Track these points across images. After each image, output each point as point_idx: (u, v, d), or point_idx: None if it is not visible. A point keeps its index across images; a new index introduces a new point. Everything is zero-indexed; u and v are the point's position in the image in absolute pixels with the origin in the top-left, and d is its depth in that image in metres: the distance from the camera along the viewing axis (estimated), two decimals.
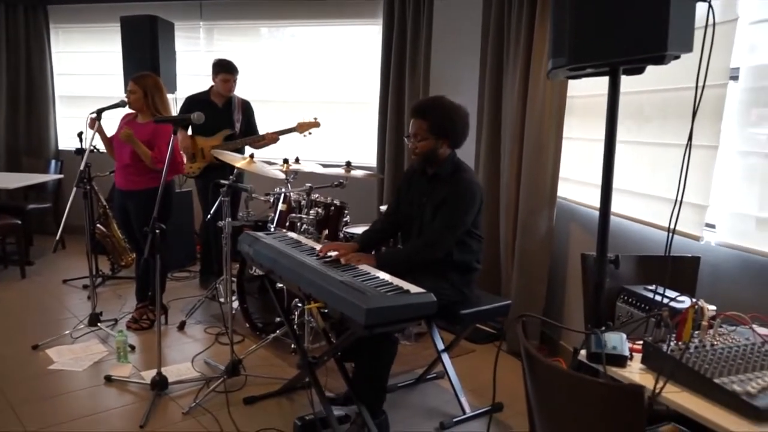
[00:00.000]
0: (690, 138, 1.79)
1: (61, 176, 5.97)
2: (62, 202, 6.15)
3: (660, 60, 1.70)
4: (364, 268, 2.59)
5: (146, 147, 3.68)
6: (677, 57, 1.76)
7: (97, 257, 4.78)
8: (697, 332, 1.61)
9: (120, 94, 5.05)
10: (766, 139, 2.32)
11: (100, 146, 3.95)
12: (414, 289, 2.29)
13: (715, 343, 1.60)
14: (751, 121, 2.34)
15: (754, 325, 1.68)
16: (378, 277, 2.44)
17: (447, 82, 4.67)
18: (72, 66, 6.70)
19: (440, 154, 2.86)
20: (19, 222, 5.10)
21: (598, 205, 3.11)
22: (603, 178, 1.90)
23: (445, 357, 3.02)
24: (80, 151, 4.45)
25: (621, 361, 1.60)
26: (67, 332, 3.84)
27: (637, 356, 1.64)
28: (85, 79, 6.63)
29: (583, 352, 1.65)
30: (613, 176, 1.91)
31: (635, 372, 1.59)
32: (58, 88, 6.74)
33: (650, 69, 1.84)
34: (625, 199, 2.97)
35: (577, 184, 3.53)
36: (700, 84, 1.70)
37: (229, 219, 3.36)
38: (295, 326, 3.47)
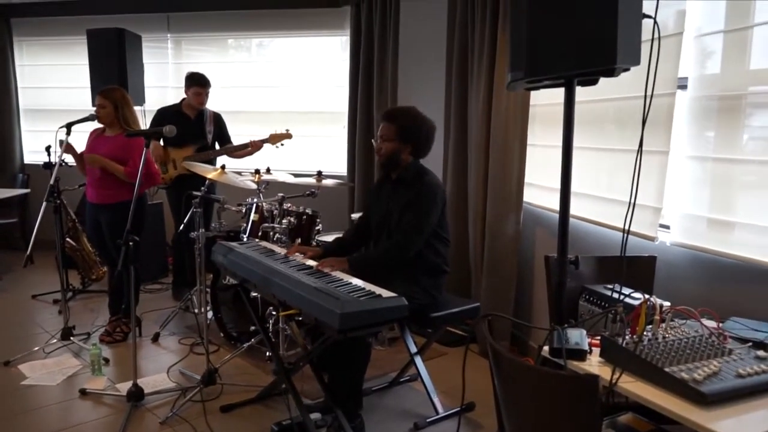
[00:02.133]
0: (641, 144, 1.92)
1: (28, 191, 5.91)
2: (29, 217, 6.11)
3: (611, 72, 1.82)
4: (337, 274, 2.66)
5: (118, 161, 3.70)
6: (627, 69, 1.89)
7: (67, 271, 4.76)
8: (650, 326, 1.72)
9: (87, 107, 5.06)
10: (714, 144, 2.46)
11: (69, 160, 3.95)
12: (386, 293, 2.37)
13: (667, 335, 1.72)
14: (699, 127, 2.48)
15: (702, 319, 1.81)
16: (351, 283, 2.51)
17: (414, 91, 4.79)
18: (37, 79, 6.63)
19: (402, 159, 2.98)
20: None
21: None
22: (561, 184, 2.01)
23: (418, 360, 3.10)
24: (48, 165, 4.45)
25: (581, 355, 1.70)
26: (39, 347, 3.82)
27: (597, 350, 1.75)
28: (50, 92, 6.57)
29: (546, 348, 1.75)
30: (571, 181, 2.02)
31: (594, 365, 1.69)
32: (23, 102, 6.66)
33: (607, 79, 1.95)
34: (586, 202, 3.10)
35: (541, 189, 3.66)
36: (648, 93, 1.83)
37: (203, 230, 3.39)
38: (270, 334, 3.52)
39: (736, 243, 2.33)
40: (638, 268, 2.53)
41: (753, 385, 1.49)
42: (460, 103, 4.12)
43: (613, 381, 1.55)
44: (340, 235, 3.44)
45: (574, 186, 3.15)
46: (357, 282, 2.52)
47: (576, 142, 3.08)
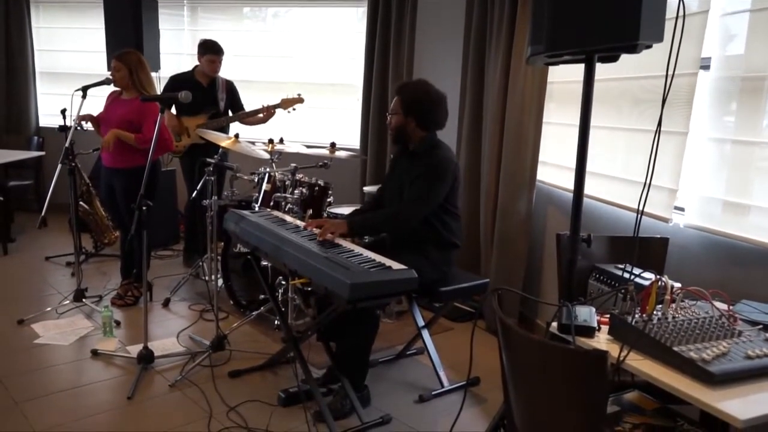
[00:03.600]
0: (659, 125, 1.89)
1: (43, 153, 5.94)
2: (43, 179, 6.16)
3: (632, 49, 1.79)
4: (348, 245, 2.67)
5: (132, 124, 3.70)
6: (649, 46, 1.85)
7: (80, 234, 4.81)
8: (660, 306, 1.72)
9: (102, 71, 5.05)
10: (734, 126, 2.43)
11: (85, 123, 3.95)
12: (396, 265, 2.38)
13: (677, 315, 1.71)
14: (720, 109, 2.45)
15: (713, 301, 1.80)
16: (362, 254, 2.52)
17: (431, 65, 4.74)
18: (53, 42, 6.63)
19: (409, 132, 2.97)
20: (1, 198, 5.09)
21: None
22: (577, 162, 1.99)
23: (425, 333, 3.12)
24: (64, 128, 4.46)
25: (589, 332, 1.71)
26: (51, 308, 3.88)
27: (606, 328, 1.75)
28: (66, 55, 6.57)
29: (554, 324, 1.75)
30: (587, 159, 2.00)
31: (603, 342, 1.69)
32: (39, 64, 6.67)
33: (627, 57, 1.92)
34: (602, 182, 3.08)
35: (555, 167, 3.63)
36: (670, 73, 1.80)
37: (215, 197, 3.41)
38: (279, 302, 3.55)
39: (751, 226, 2.31)
40: (650, 249, 2.52)
41: (761, 366, 1.49)
42: (477, 78, 4.07)
43: (621, 358, 1.55)
44: (358, 207, 3.45)
45: (590, 165, 3.13)
46: (368, 253, 2.53)
47: (593, 121, 3.07)
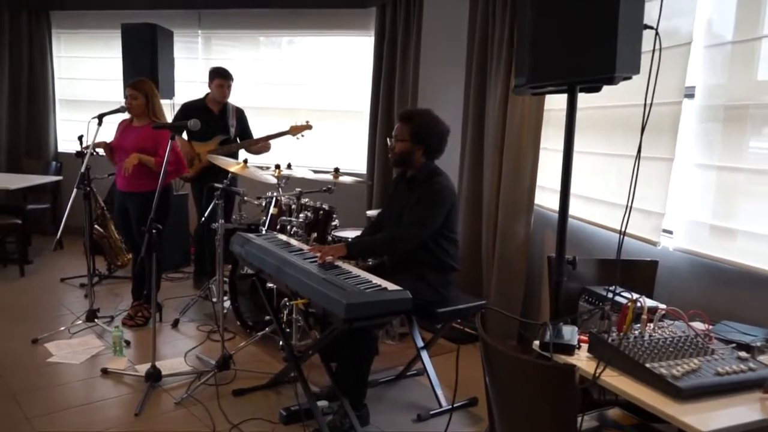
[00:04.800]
0: (639, 152, 1.98)
1: (60, 178, 6.13)
2: (60, 203, 6.33)
3: (610, 81, 1.89)
4: (347, 267, 2.77)
5: (147, 151, 3.85)
6: (628, 78, 1.96)
7: (94, 257, 4.97)
8: (637, 325, 1.79)
9: (118, 99, 5.25)
10: (719, 153, 2.51)
11: (100, 149, 4.12)
12: (391, 286, 2.47)
13: (654, 334, 1.79)
14: (705, 136, 2.53)
15: (691, 322, 1.87)
16: (359, 276, 2.61)
17: (434, 93, 4.87)
18: (72, 70, 6.88)
19: (414, 159, 3.07)
20: (20, 222, 5.26)
21: (573, 212, 3.33)
22: (561, 187, 2.09)
23: (424, 354, 3.19)
24: (81, 154, 4.65)
25: (569, 349, 1.79)
26: (65, 327, 4.00)
27: (586, 347, 1.83)
28: (84, 83, 6.81)
29: (536, 342, 1.83)
30: (570, 187, 2.09)
31: (582, 359, 1.77)
32: (59, 92, 6.91)
33: (619, 85, 2.01)
34: (595, 206, 3.16)
35: (553, 192, 3.72)
36: (649, 102, 1.89)
37: (223, 221, 3.53)
38: (283, 324, 3.64)
39: (738, 250, 2.37)
40: (639, 272, 2.59)
41: (730, 382, 1.56)
42: (478, 105, 4.19)
43: (597, 374, 1.63)
44: (359, 233, 3.56)
45: (584, 190, 3.23)
46: (365, 275, 2.62)
47: (586, 147, 3.18)
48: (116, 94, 5.91)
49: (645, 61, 1.90)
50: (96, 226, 5.12)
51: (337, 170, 4.11)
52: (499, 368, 1.61)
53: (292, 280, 2.66)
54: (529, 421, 1.55)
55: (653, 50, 1.89)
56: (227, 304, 4.27)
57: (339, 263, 2.80)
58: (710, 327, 1.90)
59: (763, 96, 2.33)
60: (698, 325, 1.88)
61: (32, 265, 5.56)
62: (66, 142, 6.90)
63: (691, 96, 2.56)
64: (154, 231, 3.17)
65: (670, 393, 1.51)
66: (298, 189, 3.91)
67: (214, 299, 4.54)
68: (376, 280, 2.56)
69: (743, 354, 1.71)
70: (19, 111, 6.74)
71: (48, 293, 4.87)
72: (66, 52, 6.90)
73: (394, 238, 3.00)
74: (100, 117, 3.94)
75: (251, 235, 3.25)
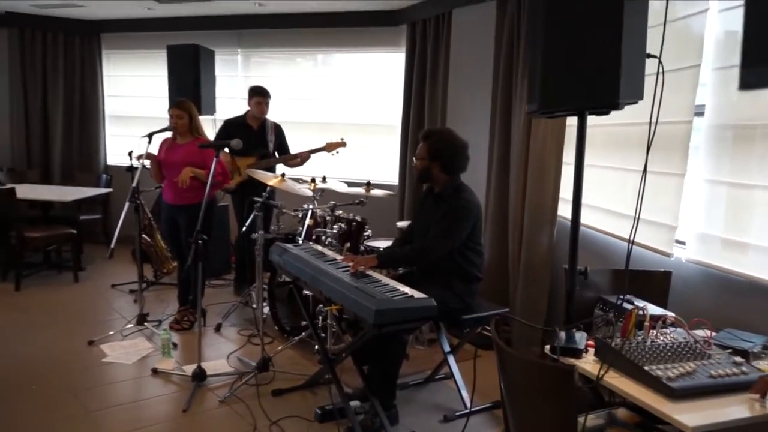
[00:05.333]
0: (645, 169, 2.15)
1: (110, 190, 6.51)
2: (110, 213, 6.71)
3: (615, 107, 2.06)
4: (377, 276, 2.98)
5: (195, 165, 4.14)
6: (633, 102, 2.12)
7: (143, 264, 5.29)
8: (641, 332, 1.95)
9: (161, 115, 5.59)
10: (729, 169, 2.64)
11: (147, 162, 4.42)
12: (418, 294, 2.67)
13: (656, 340, 1.94)
14: (715, 153, 2.67)
15: (695, 330, 2.02)
16: (388, 284, 2.82)
17: (462, 109, 5.05)
18: (120, 88, 7.29)
19: (434, 175, 3.28)
20: (74, 231, 5.63)
21: (593, 224, 3.47)
22: (573, 203, 2.26)
23: (450, 358, 3.38)
24: (130, 169, 4.98)
25: (577, 353, 1.96)
26: (117, 331, 4.31)
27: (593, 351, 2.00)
28: (131, 100, 7.21)
29: (547, 346, 2.01)
30: (581, 200, 2.26)
31: (588, 362, 1.94)
32: (108, 108, 7.33)
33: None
34: (615, 219, 3.30)
35: None
36: (654, 121, 2.05)
37: (262, 232, 3.78)
38: (318, 328, 3.87)
39: (748, 263, 2.50)
40: (655, 282, 2.73)
41: (722, 384, 1.71)
42: (504, 121, 4.37)
43: (600, 375, 1.80)
44: (390, 243, 3.79)
45: (604, 203, 3.38)
46: (393, 284, 2.83)
47: (605, 161, 3.33)
48: (160, 110, 6.25)
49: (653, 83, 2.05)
50: (144, 235, 5.44)
51: (369, 184, 4.33)
52: (510, 370, 1.80)
53: (327, 288, 2.88)
54: (535, 418, 1.73)
55: (657, 74, 2.05)
56: (266, 309, 4.53)
57: (370, 272, 3.01)
58: (712, 334, 2.05)
59: None
60: (700, 333, 2.02)
61: (85, 271, 5.92)
62: (115, 155, 7.31)
63: (701, 114, 2.70)
64: (200, 241, 3.43)
65: (664, 393, 1.67)
66: (332, 202, 4.15)
67: (254, 305, 4.81)
68: (404, 288, 2.76)
69: (738, 359, 1.86)
70: (72, 128, 7.18)
71: (100, 298, 5.21)
72: (114, 71, 7.32)
73: (423, 249, 3.20)
74: (150, 135, 4.25)
75: (289, 245, 3.49)
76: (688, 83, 2.66)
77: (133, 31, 6.95)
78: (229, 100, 6.57)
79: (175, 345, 4.11)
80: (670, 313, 2.23)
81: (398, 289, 2.74)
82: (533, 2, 2.12)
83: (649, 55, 2.08)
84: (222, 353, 4.02)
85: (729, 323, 2.31)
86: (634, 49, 2.03)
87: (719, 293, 2.62)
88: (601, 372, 1.81)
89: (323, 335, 3.84)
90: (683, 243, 2.84)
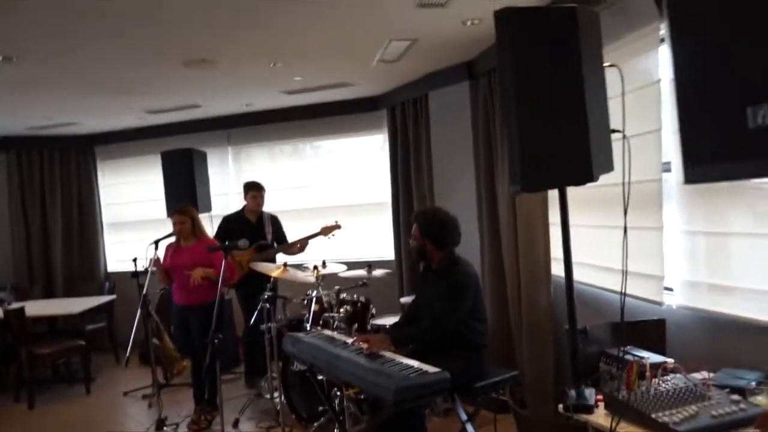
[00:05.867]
0: (625, 229, 2.36)
1: (114, 297, 6.63)
2: (114, 320, 6.78)
3: (591, 179, 2.29)
4: (389, 355, 3.11)
5: (204, 265, 4.32)
6: (606, 172, 2.36)
7: (155, 369, 5.38)
8: (643, 381, 2.11)
9: (160, 217, 5.85)
10: (703, 219, 2.85)
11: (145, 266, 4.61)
12: (431, 369, 2.81)
13: (659, 387, 2.10)
14: (686, 204, 2.90)
15: (694, 373, 2.18)
16: (401, 363, 2.95)
17: (449, 182, 5.31)
18: (116, 196, 7.54)
19: (429, 252, 3.49)
20: (83, 343, 5.71)
21: (586, 280, 3.64)
22: (565, 269, 2.45)
23: (469, 426, 3.46)
24: (135, 275, 5.16)
25: (588, 409, 2.10)
26: None
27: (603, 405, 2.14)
28: (128, 206, 7.44)
29: (560, 405, 2.15)
30: (572, 262, 2.47)
31: (600, 416, 2.08)
32: (105, 216, 7.55)
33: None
34: (606, 274, 3.49)
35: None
36: (626, 185, 2.27)
37: (273, 324, 3.92)
38: (336, 411, 3.95)
39: (733, 304, 2.67)
40: (650, 330, 2.89)
41: (723, 423, 1.86)
42: (489, 189, 4.64)
43: (613, 427, 1.94)
44: (397, 320, 3.95)
45: (597, 260, 3.57)
46: (406, 361, 2.96)
47: (588, 221, 3.54)
48: (156, 214, 6.58)
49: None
50: (153, 339, 5.54)
51: (370, 266, 4.52)
52: (527, 429, 1.94)
53: (344, 373, 3.02)
54: None
55: (623, 147, 2.30)
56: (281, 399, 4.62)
57: (382, 352, 3.15)
58: (710, 376, 2.20)
59: None
60: (699, 375, 2.18)
61: (95, 381, 5.96)
62: (115, 262, 7.47)
63: (668, 170, 2.95)
64: (216, 341, 3.57)
65: None
66: (336, 287, 4.32)
67: (267, 395, 4.89)
68: (417, 364, 2.90)
69: (736, 397, 2.01)
70: (72, 240, 7.37)
71: (115, 408, 5.25)
72: (110, 180, 7.60)
73: (432, 327, 3.35)
74: (157, 242, 4.45)
75: (300, 335, 3.63)
76: (653, 145, 2.92)
77: (126, 141, 7.25)
78: (223, 196, 6.82)
79: None
80: (669, 360, 2.40)
81: (412, 366, 2.88)
82: (504, 91, 2.38)
83: (613, 131, 2.34)
84: None
85: (724, 363, 2.46)
86: (600, 126, 2.29)
87: (712, 335, 2.79)
88: (613, 424, 1.95)
89: (341, 418, 3.91)
90: (671, 290, 3.02)
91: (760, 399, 2.04)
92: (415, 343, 3.34)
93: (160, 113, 6.34)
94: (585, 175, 2.24)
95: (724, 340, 2.73)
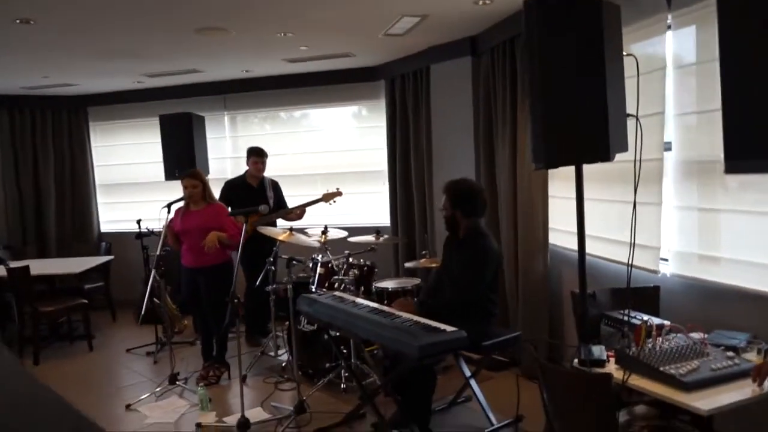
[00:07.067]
0: (635, 205, 2.61)
1: (112, 257, 6.73)
2: (112, 280, 6.88)
3: (607, 159, 2.53)
4: (405, 315, 3.35)
5: (212, 228, 4.49)
6: (622, 152, 2.60)
7: (156, 326, 5.56)
8: (650, 339, 2.39)
9: (155, 179, 6.08)
10: (697, 196, 3.13)
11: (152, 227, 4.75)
12: (449, 328, 3.06)
13: (663, 345, 2.38)
14: (682, 182, 3.17)
15: (691, 333, 2.47)
16: (420, 322, 3.20)
17: (447, 153, 5.50)
18: (109, 157, 7.56)
19: (458, 221, 3.71)
20: (86, 301, 5.84)
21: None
22: (578, 241, 2.70)
23: (473, 382, 3.75)
24: (140, 236, 5.30)
25: (601, 364, 2.38)
26: (150, 393, 4.54)
27: (613, 360, 2.42)
28: (121, 168, 7.48)
29: (575, 361, 2.43)
30: (585, 242, 2.70)
31: (612, 370, 2.36)
32: (98, 177, 7.58)
33: None
34: (604, 244, 3.77)
35: (564, 233, 4.34)
36: (637, 167, 2.52)
37: (291, 286, 4.10)
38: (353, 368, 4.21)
39: (721, 272, 2.98)
40: (646, 296, 3.20)
41: (722, 375, 2.16)
42: (488, 162, 4.86)
43: (625, 379, 2.22)
44: (400, 279, 4.19)
45: (594, 231, 3.84)
46: (423, 321, 3.20)
47: (590, 195, 3.79)
48: (150, 175, 6.78)
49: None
50: (154, 298, 5.69)
51: (378, 232, 4.74)
52: (554, 383, 2.20)
53: (363, 331, 3.25)
54: (579, 420, 2.13)
55: (636, 131, 2.54)
56: (284, 357, 4.87)
57: (394, 312, 3.38)
58: (705, 336, 2.50)
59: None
60: (696, 335, 2.48)
61: (96, 339, 6.10)
62: (108, 223, 7.55)
63: (669, 149, 3.21)
64: (235, 301, 3.77)
65: (679, 387, 2.10)
66: (346, 251, 4.54)
67: (271, 353, 5.12)
68: (433, 324, 3.14)
69: (731, 353, 2.31)
70: (65, 200, 7.40)
71: (119, 364, 5.43)
72: (102, 141, 7.60)
73: (453, 302, 3.60)
74: (169, 205, 4.58)
75: (315, 296, 3.85)
76: (656, 127, 3.17)
77: (120, 102, 7.25)
78: (220, 160, 6.91)
79: (209, 400, 4.37)
80: (667, 322, 2.69)
81: (430, 325, 3.13)
82: (531, 75, 2.57)
83: (629, 115, 2.57)
84: (255, 402, 4.31)
85: (715, 325, 2.76)
86: (618, 110, 2.52)
87: (702, 300, 3.10)
88: (625, 377, 2.23)
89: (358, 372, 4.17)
90: (666, 260, 3.31)
91: (750, 356, 2.34)
92: (442, 315, 3.55)
93: (159, 77, 6.36)
94: (603, 154, 2.47)
95: (712, 305, 3.04)
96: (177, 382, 4.61)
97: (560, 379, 2.14)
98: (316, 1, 3.89)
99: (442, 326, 3.09)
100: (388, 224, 6.22)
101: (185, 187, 4.65)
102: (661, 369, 2.19)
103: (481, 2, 4.01)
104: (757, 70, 1.33)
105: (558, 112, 2.53)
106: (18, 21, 3.96)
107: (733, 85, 1.39)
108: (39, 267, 5.94)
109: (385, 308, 3.50)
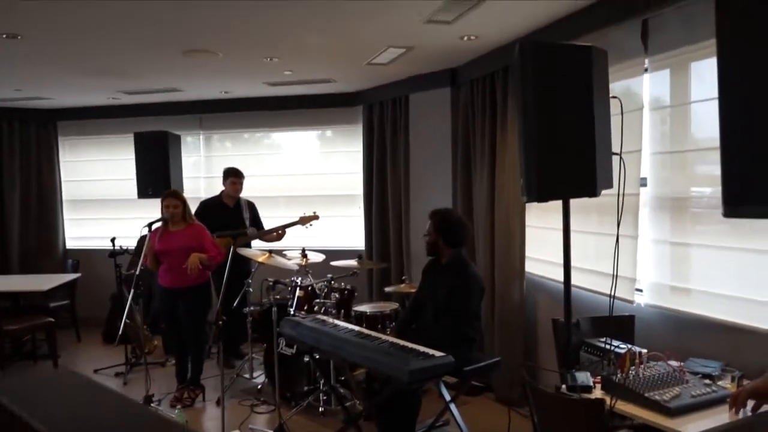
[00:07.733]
0: (617, 238, 2.76)
1: (79, 275, 6.58)
2: (78, 299, 6.73)
3: (594, 195, 2.68)
4: (388, 338, 3.41)
5: (193, 249, 4.49)
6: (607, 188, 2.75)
7: (126, 346, 5.48)
8: (633, 367, 2.53)
9: (127, 197, 6.15)
10: (669, 231, 3.32)
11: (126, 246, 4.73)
12: (437, 353, 3.14)
13: (645, 372, 2.52)
14: (657, 217, 3.36)
15: (669, 360, 2.62)
16: (406, 346, 3.26)
17: (424, 180, 5.63)
18: (78, 173, 7.43)
19: (440, 247, 3.82)
20: (52, 320, 5.70)
21: (556, 278, 4.06)
22: (564, 274, 2.83)
23: (453, 406, 3.83)
24: (114, 254, 5.24)
25: (588, 390, 2.50)
26: None
27: (598, 386, 2.54)
28: (90, 184, 7.36)
29: (563, 386, 2.54)
30: (571, 273, 2.83)
31: (599, 395, 2.48)
32: (66, 193, 7.43)
33: None
34: (582, 275, 3.92)
35: (539, 262, 4.49)
36: (621, 198, 2.68)
37: (275, 308, 4.14)
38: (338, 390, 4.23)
39: (692, 303, 3.15)
40: (621, 325, 3.34)
41: (702, 401, 2.30)
42: (466, 191, 5.01)
43: (612, 404, 2.34)
44: (376, 304, 4.25)
45: (572, 261, 3.99)
46: (411, 345, 3.27)
47: (574, 226, 3.95)
48: (120, 193, 6.77)
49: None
50: (126, 319, 5.60)
51: (360, 256, 4.81)
52: (545, 406, 2.31)
53: (351, 355, 3.30)
54: None
55: (620, 169, 2.70)
56: (260, 379, 4.86)
57: (379, 335, 3.45)
58: (682, 364, 2.65)
59: (694, 189, 3.18)
60: (673, 363, 2.62)
61: (61, 359, 5.95)
62: (74, 240, 7.39)
63: (644, 185, 3.40)
64: (220, 322, 3.77)
65: (664, 412, 2.23)
66: (329, 275, 4.59)
67: (246, 375, 5.10)
68: (422, 348, 3.22)
69: (707, 381, 2.46)
70: (30, 214, 7.21)
71: None
72: (71, 156, 7.46)
73: (450, 334, 3.66)
74: (150, 225, 4.55)
75: (299, 319, 3.88)
76: (634, 163, 3.35)
77: (91, 118, 7.15)
78: (194, 179, 6.89)
79: (186, 421, 4.33)
80: (644, 350, 2.83)
81: (417, 350, 3.20)
82: (523, 113, 2.72)
83: (614, 153, 2.74)
84: (233, 425, 4.28)
85: (688, 353, 2.92)
86: (604, 149, 2.68)
87: (675, 330, 3.26)
88: (612, 402, 2.35)
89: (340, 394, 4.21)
90: (641, 290, 3.48)
91: (725, 383, 2.50)
92: (423, 340, 3.62)
93: (136, 94, 6.33)
94: (590, 190, 2.62)
95: (685, 334, 3.20)
96: (151, 404, 4.54)
97: (553, 404, 2.24)
98: (309, 27, 3.98)
99: (430, 351, 3.17)
100: (363, 248, 6.29)
101: (167, 207, 4.63)
102: (646, 395, 2.32)
103: (466, 38, 4.17)
104: (757, 118, 1.46)
105: (549, 149, 2.67)
106: (5, 36, 3.93)
107: (733, 132, 1.51)
108: (3, 284, 5.79)
109: (371, 332, 3.56)
